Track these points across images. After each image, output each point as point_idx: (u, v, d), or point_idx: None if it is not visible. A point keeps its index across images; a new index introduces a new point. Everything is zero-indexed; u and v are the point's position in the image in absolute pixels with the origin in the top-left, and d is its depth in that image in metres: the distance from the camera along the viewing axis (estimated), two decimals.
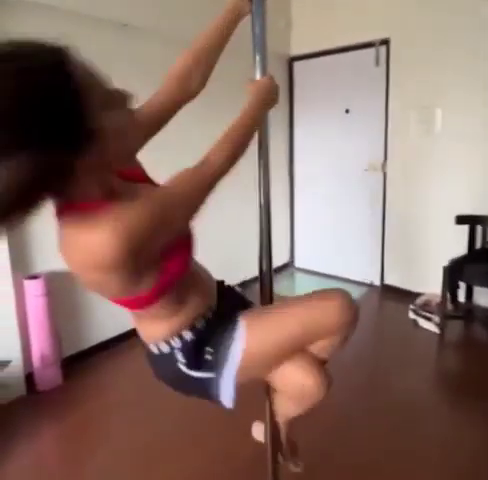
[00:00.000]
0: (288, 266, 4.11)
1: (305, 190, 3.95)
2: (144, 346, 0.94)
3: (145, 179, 0.89)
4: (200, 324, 0.90)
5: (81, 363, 2.46)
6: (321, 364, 0.93)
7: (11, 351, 2.10)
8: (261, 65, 1.07)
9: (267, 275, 1.12)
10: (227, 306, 0.98)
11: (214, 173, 0.77)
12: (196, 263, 0.95)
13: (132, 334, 2.69)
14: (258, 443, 1.24)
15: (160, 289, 0.78)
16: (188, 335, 0.88)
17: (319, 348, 0.92)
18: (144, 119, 0.89)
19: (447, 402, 2.13)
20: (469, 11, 2.75)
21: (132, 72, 2.54)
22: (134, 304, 0.81)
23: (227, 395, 0.88)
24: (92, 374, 2.38)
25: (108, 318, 2.61)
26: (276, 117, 3.69)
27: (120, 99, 0.69)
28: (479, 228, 2.77)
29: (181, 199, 0.73)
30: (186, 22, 2.67)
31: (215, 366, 0.87)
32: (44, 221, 2.20)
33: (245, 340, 0.87)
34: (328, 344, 0.91)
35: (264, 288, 1.12)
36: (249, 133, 0.86)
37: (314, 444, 1.70)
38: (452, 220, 2.83)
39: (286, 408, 1.08)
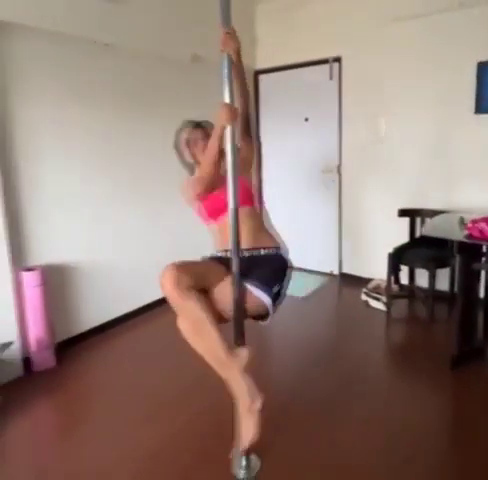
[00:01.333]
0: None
1: (270, 190, 4.34)
2: None
3: None
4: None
5: (72, 347, 2.73)
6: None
7: (10, 336, 2.35)
8: (228, 75, 1.43)
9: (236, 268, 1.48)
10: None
11: (203, 168, 1.62)
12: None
13: (117, 322, 3.00)
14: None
15: None
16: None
17: None
18: None
19: (392, 366, 2.56)
20: (409, 39, 3.23)
21: (115, 88, 2.86)
22: None
23: None
24: (81, 357, 2.65)
25: (96, 307, 2.91)
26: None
27: None
28: (418, 220, 3.23)
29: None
30: (163, 41, 3.01)
31: None
32: (40, 220, 2.65)
33: None
34: None
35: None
36: (213, 145, 1.53)
37: (284, 392, 2.07)
38: (395, 213, 3.29)
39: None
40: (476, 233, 2.16)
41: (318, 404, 2.09)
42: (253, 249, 1.69)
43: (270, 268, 1.64)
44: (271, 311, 1.58)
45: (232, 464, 1.66)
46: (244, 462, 1.64)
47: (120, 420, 2.05)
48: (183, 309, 1.40)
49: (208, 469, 1.69)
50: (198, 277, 1.44)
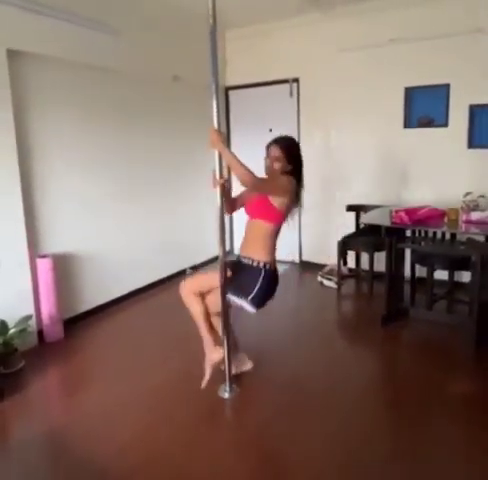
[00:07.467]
0: (228, 253, 5.08)
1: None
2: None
3: None
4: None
5: (76, 323, 3.22)
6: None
7: (28, 311, 2.81)
8: (216, 91, 2.07)
9: (222, 259, 2.12)
10: None
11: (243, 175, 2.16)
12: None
13: (115, 303, 3.50)
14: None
15: None
16: None
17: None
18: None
19: (338, 326, 3.25)
20: (352, 66, 3.95)
21: (112, 102, 3.39)
22: None
23: None
24: (85, 332, 3.13)
25: (98, 289, 3.42)
26: None
27: None
28: (362, 213, 3.93)
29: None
30: (149, 64, 3.57)
31: None
32: (51, 216, 3.40)
33: None
34: None
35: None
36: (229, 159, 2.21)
37: (255, 342, 2.68)
38: (344, 209, 4.00)
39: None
40: (398, 220, 2.86)
41: (279, 349, 2.75)
42: (241, 257, 2.24)
43: (246, 276, 2.16)
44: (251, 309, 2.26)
45: (219, 390, 2.25)
46: (228, 388, 2.24)
47: (116, 379, 2.49)
48: (190, 304, 2.26)
49: (199, 399, 2.26)
50: (200, 288, 2.26)
